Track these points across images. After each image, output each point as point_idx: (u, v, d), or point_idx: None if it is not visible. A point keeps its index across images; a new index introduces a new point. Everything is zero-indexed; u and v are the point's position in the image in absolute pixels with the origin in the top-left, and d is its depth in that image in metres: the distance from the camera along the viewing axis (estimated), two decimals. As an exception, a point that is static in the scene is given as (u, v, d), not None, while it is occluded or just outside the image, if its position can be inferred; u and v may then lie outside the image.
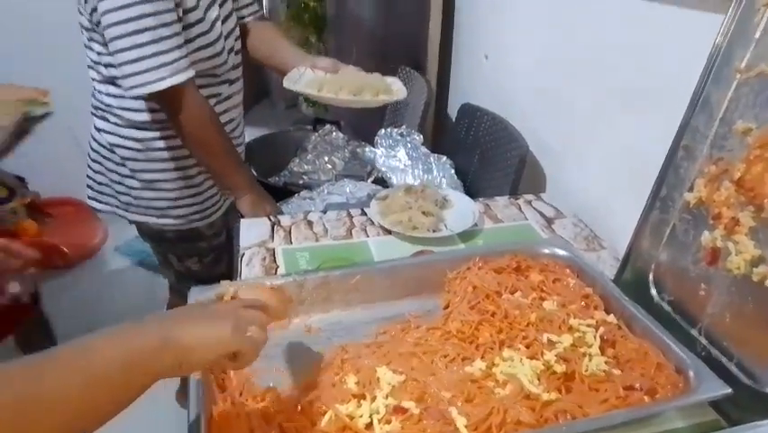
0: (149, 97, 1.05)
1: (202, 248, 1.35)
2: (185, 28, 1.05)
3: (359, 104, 1.11)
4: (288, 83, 1.13)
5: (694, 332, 0.73)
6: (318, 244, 1.06)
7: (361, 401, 0.64)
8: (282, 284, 0.82)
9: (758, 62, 0.66)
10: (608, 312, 0.79)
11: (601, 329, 0.74)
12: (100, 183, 1.26)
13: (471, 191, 1.48)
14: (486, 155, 1.49)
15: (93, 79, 1.16)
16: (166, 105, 1.07)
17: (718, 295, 0.70)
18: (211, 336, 0.52)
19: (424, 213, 1.11)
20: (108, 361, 0.45)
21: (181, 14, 1.03)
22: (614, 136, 1.10)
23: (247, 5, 1.27)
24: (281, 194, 1.68)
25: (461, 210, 1.15)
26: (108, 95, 1.14)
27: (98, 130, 1.19)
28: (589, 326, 0.75)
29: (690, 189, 0.74)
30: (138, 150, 1.17)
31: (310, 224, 1.13)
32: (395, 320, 0.83)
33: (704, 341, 0.72)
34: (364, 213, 1.17)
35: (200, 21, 1.07)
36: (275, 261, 1.01)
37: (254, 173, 1.88)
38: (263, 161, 1.99)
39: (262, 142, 2.12)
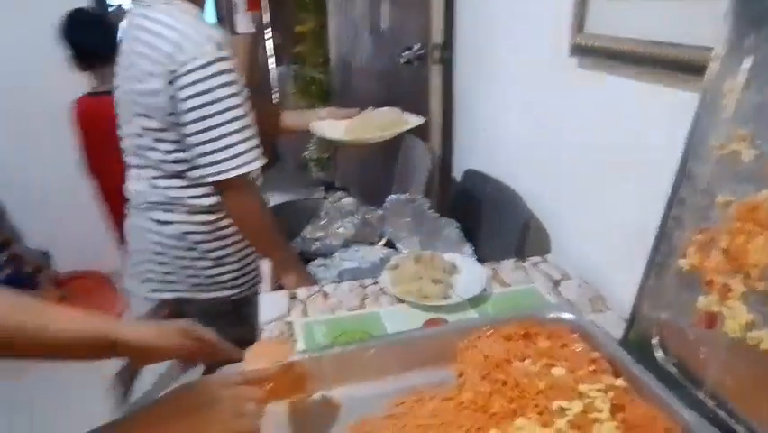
0: (218, 183, 1.15)
1: (249, 315, 1.41)
2: None
3: (393, 134, 1.29)
4: (329, 133, 1.33)
5: (700, 394, 0.75)
6: (334, 317, 1.10)
7: (382, 477, 0.67)
8: (300, 360, 0.86)
9: (730, 141, 0.72)
10: (615, 376, 0.82)
11: (610, 394, 0.77)
12: (166, 273, 1.32)
13: (480, 253, 1.52)
14: (491, 219, 1.55)
15: (153, 177, 1.24)
16: (233, 190, 1.16)
17: (719, 358, 0.73)
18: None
19: (433, 281, 1.15)
20: None
21: None
22: (607, 203, 1.16)
23: None
24: (295, 263, 1.73)
25: (470, 276, 1.20)
26: (174, 187, 1.23)
27: (164, 223, 1.26)
28: (598, 390, 0.78)
29: (683, 256, 0.79)
30: (208, 231, 1.26)
31: (326, 295, 1.17)
32: (409, 391, 0.86)
33: (711, 403, 0.74)
34: (376, 282, 1.22)
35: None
36: (293, 334, 1.05)
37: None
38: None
39: (275, 212, 2.20)
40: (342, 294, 1.18)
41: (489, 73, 1.66)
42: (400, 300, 1.14)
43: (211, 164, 1.12)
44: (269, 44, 4.12)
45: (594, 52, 1.11)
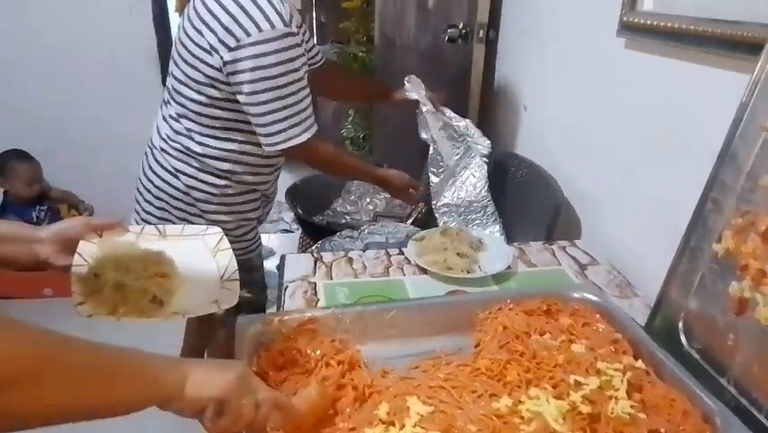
0: (284, 151, 1.18)
1: (255, 278, 1.43)
2: None
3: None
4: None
5: (723, 381, 0.74)
6: (357, 280, 1.11)
7: (390, 428, 0.68)
8: (321, 316, 0.87)
9: (781, 121, 0.69)
10: (636, 358, 0.81)
11: (629, 374, 0.76)
12: (160, 219, 1.32)
13: (507, 235, 1.50)
14: (522, 201, 1.53)
15: (186, 129, 1.22)
16: (304, 153, 1.21)
17: (747, 345, 0.71)
18: (215, 376, 0.56)
19: (458, 254, 1.15)
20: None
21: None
22: (646, 187, 1.13)
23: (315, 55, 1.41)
24: (324, 232, 1.75)
25: (496, 253, 1.19)
26: (200, 144, 1.22)
27: (176, 172, 1.25)
28: (616, 370, 0.77)
29: (718, 240, 0.76)
30: (213, 194, 1.25)
31: (350, 261, 1.19)
32: (427, 356, 0.86)
33: (733, 390, 0.72)
34: (401, 252, 1.22)
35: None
36: (316, 294, 1.06)
37: (299, 211, 1.97)
38: (308, 200, 2.08)
39: (307, 183, 2.22)
40: (366, 261, 1.19)
41: (536, 52, 1.63)
42: (424, 271, 1.14)
43: (269, 134, 1.15)
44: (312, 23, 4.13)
45: (644, 32, 1.07)
